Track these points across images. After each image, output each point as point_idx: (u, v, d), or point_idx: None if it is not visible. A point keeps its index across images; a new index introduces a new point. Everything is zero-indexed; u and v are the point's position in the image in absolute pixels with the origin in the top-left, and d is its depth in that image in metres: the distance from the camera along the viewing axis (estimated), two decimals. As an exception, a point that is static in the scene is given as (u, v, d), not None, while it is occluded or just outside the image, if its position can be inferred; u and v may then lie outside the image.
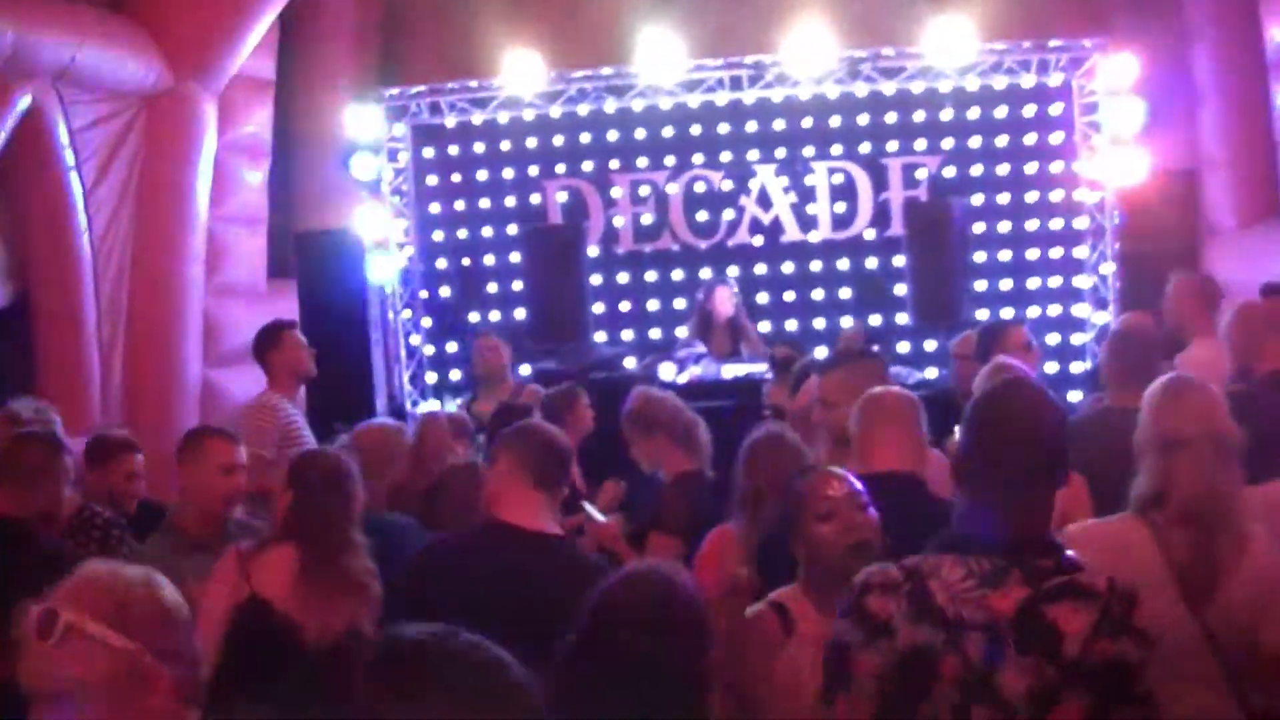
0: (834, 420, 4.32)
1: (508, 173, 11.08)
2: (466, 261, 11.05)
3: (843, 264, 10.94)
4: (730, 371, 9.42)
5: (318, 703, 3.18)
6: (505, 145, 11.03)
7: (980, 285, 10.61)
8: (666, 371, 9.42)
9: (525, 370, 9.90)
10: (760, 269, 10.95)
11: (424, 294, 10.97)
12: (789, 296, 10.97)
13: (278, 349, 6.51)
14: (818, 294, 10.96)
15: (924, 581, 2.50)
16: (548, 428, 3.96)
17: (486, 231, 11.12)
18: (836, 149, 10.89)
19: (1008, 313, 10.30)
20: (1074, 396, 10.20)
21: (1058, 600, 2.46)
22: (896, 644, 2.47)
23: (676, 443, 5.36)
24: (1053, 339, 10.58)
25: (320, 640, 3.65)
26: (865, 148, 10.88)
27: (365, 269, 10.47)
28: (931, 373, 10.05)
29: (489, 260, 11.12)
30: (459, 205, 11.14)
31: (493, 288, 11.12)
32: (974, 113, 10.78)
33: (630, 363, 10.20)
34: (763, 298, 10.91)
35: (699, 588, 2.80)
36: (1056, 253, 10.80)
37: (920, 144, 10.85)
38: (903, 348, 10.69)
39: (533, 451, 3.74)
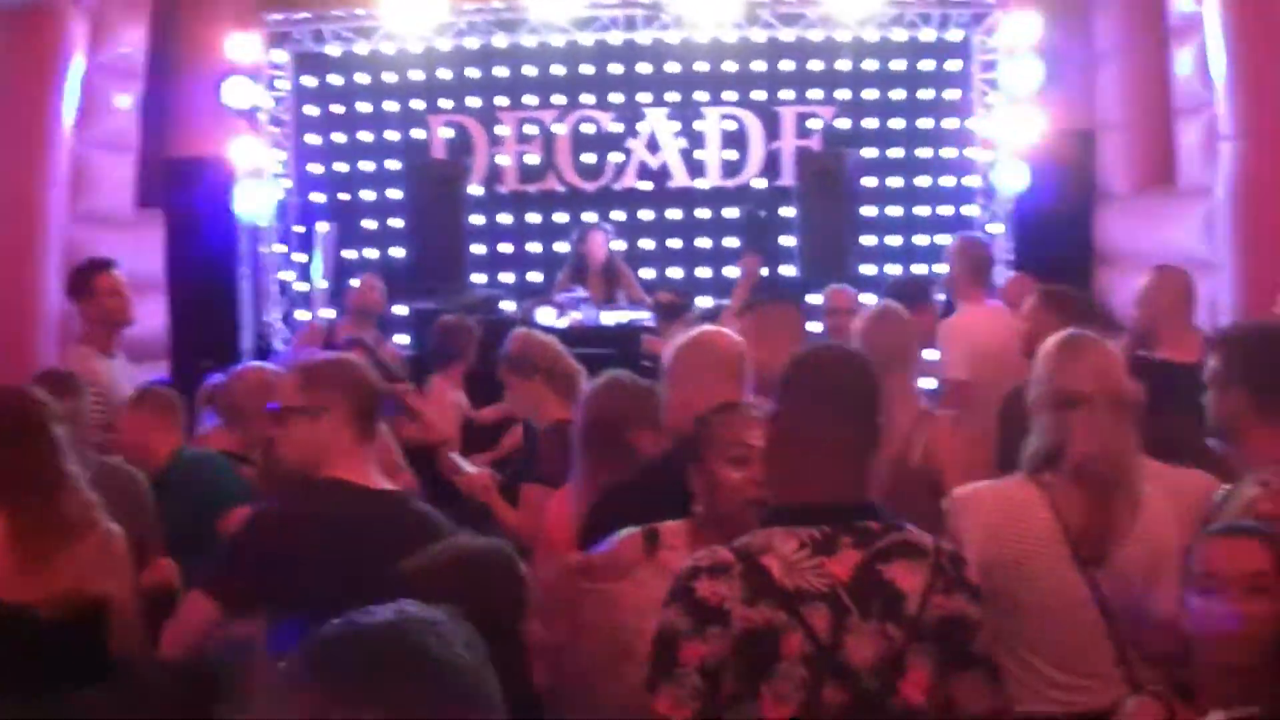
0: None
1: (391, 106, 11.19)
2: (344, 196, 11.18)
3: (730, 212, 11.13)
4: (611, 318, 9.69)
5: (67, 687, 3.07)
6: (390, 77, 11.13)
7: (869, 240, 11.01)
8: (545, 316, 9.65)
9: (402, 310, 10.28)
10: (646, 214, 11.16)
11: (298, 229, 11.10)
12: (674, 243, 11.22)
13: (90, 295, 6.15)
14: (704, 242, 11.21)
15: (757, 559, 2.51)
16: (359, 364, 3.69)
17: (366, 166, 11.23)
18: (730, 95, 11.12)
19: (895, 269, 10.84)
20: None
21: (891, 559, 2.55)
22: (732, 629, 2.46)
23: (555, 389, 5.31)
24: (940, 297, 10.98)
25: (53, 613, 3.28)
26: (759, 95, 11.11)
27: (236, 201, 10.50)
28: (816, 327, 10.47)
29: (368, 196, 11.24)
30: (338, 138, 11.24)
31: (371, 224, 11.24)
32: (871, 65, 11.05)
33: (509, 306, 10.59)
34: (648, 244, 11.14)
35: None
36: (946, 210, 11.14)
37: (815, 93, 11.11)
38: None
39: (357, 401, 3.50)
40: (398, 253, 11.04)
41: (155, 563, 4.27)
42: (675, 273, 11.19)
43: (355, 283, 9.14)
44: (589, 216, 10.96)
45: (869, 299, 7.40)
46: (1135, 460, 3.36)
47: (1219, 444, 3.66)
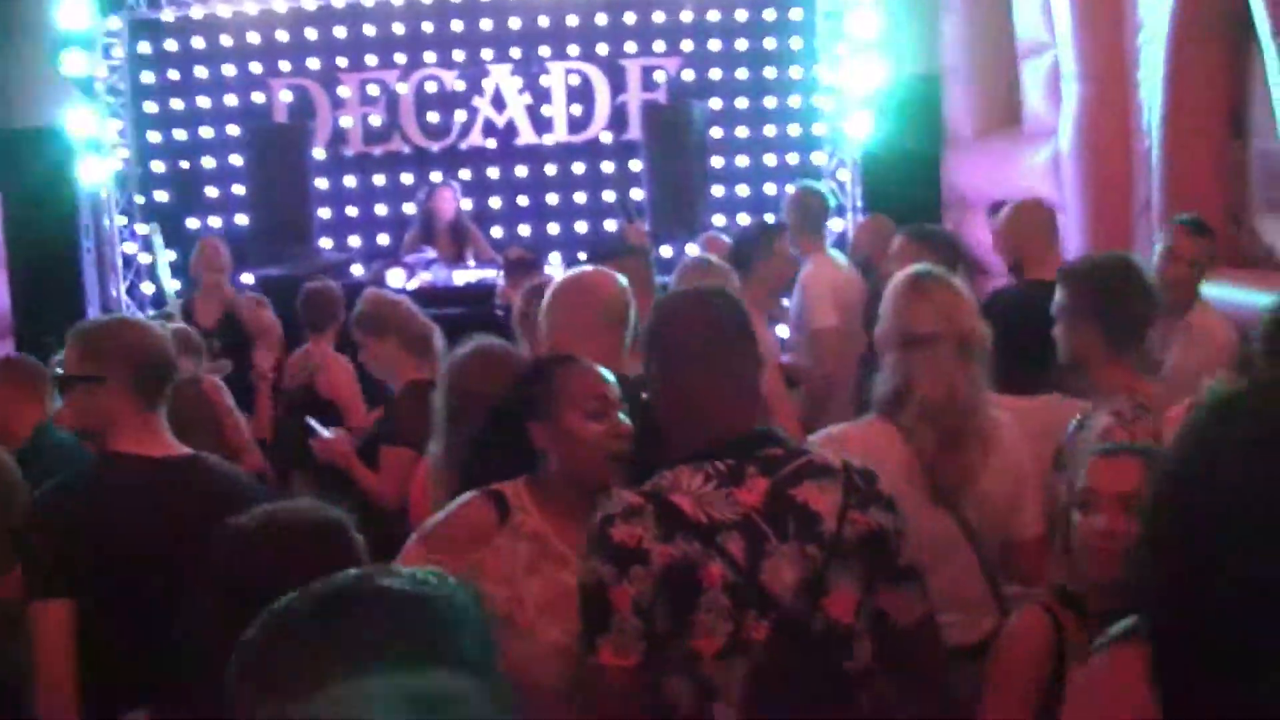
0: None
1: (229, 70, 11.19)
2: (185, 164, 11.22)
3: (578, 168, 11.28)
4: (462, 278, 9.75)
5: None
6: (226, 40, 11.13)
7: (718, 191, 11.16)
8: (395, 278, 9.70)
9: (248, 279, 10.34)
10: (494, 173, 11.22)
11: (139, 199, 11.10)
12: (523, 201, 11.31)
13: None
14: (552, 199, 11.31)
15: (666, 497, 2.53)
16: (142, 327, 3.55)
17: (206, 132, 11.21)
18: (573, 49, 11.21)
19: (745, 219, 11.01)
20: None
21: (800, 482, 2.59)
22: (652, 568, 2.47)
23: (409, 349, 5.29)
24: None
25: None
26: (603, 49, 11.22)
27: (75, 172, 10.45)
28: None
29: (209, 163, 11.23)
30: (177, 104, 11.21)
31: (213, 192, 11.23)
32: (714, 15, 11.17)
33: (358, 270, 10.70)
34: (496, 202, 11.22)
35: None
36: (794, 159, 11.28)
37: (659, 45, 11.22)
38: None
39: (137, 367, 3.32)
40: (243, 220, 11.06)
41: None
42: (525, 230, 11.27)
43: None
44: (436, 177, 11.02)
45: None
46: (982, 398, 3.43)
47: (1071, 375, 3.87)
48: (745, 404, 2.72)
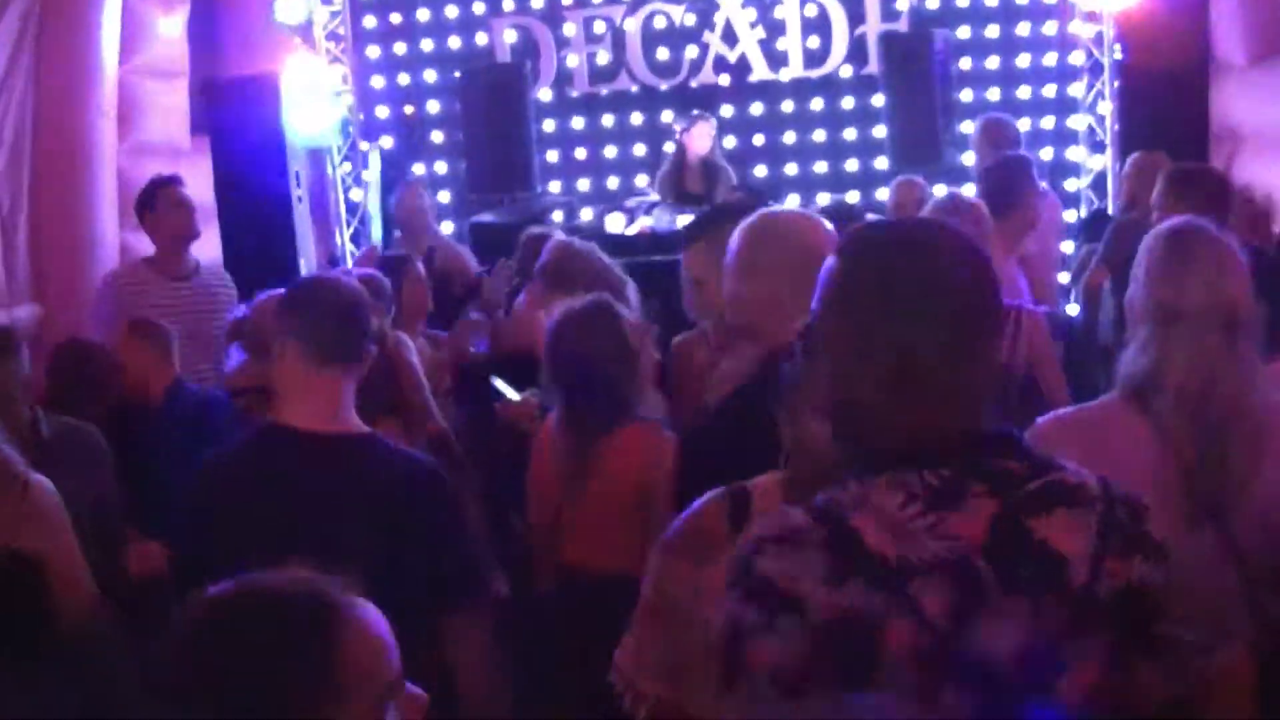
0: (705, 301, 3.88)
1: (451, 11, 11.19)
2: (409, 109, 11.33)
3: (816, 104, 11.01)
4: (686, 222, 9.84)
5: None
6: (449, -20, 11.07)
7: (967, 127, 10.86)
8: (614, 223, 9.68)
9: (448, 228, 10.42)
10: (727, 111, 10.98)
11: (364, 145, 11.27)
12: (758, 140, 11.09)
13: (151, 211, 6.60)
14: (789, 138, 11.05)
15: (844, 522, 1.87)
16: (332, 283, 3.42)
17: (430, 76, 11.28)
18: (809, -22, 10.85)
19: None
20: (1067, 248, 10.66)
21: (1043, 511, 1.89)
22: (810, 620, 1.82)
23: None
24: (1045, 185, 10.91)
25: None
26: (841, -23, 10.86)
27: (283, 120, 10.36)
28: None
29: (433, 107, 11.30)
30: (399, 49, 11.29)
31: (438, 137, 11.30)
32: (961, -62, 10.74)
33: (586, 214, 10.73)
34: (730, 142, 10.92)
35: None
36: (1049, 91, 10.83)
37: (902, -27, 10.85)
38: (882, 195, 11.13)
39: (314, 324, 3.21)
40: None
41: (139, 549, 4.32)
42: (760, 171, 11.11)
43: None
44: (666, 116, 10.91)
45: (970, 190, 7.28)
46: (1254, 389, 2.92)
47: None
48: (969, 390, 1.96)
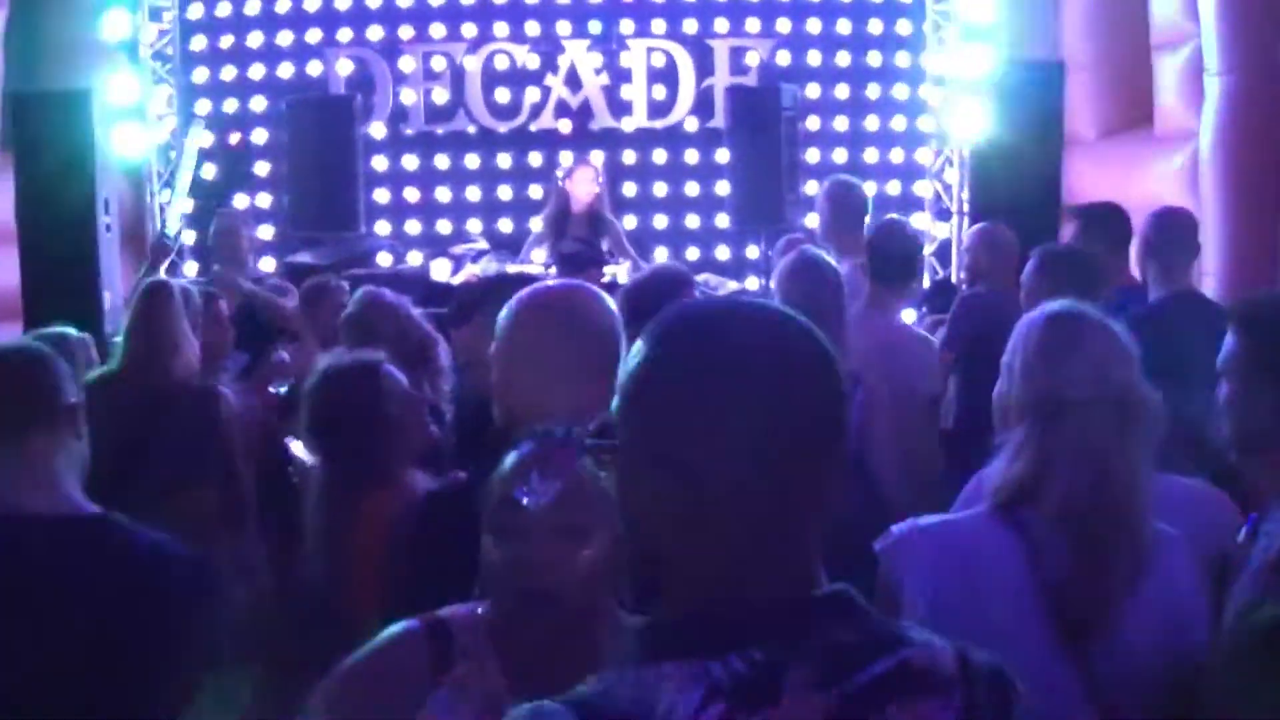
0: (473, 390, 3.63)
1: (285, 38, 10.75)
2: (235, 137, 10.81)
3: (659, 156, 10.78)
4: (518, 271, 9.47)
5: None
6: (282, 6, 10.71)
7: (812, 188, 10.70)
8: (440, 270, 9.49)
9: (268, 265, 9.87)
10: (566, 158, 10.60)
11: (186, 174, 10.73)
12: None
13: None
14: (628, 188, 10.79)
15: None
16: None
17: (258, 104, 10.81)
18: (658, 26, 10.69)
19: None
20: (909, 317, 10.43)
21: (889, 704, 1.43)
22: None
23: (403, 364, 4.59)
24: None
25: None
26: (690, 26, 10.68)
27: (95, 140, 9.78)
28: (752, 284, 10.21)
29: (260, 137, 10.82)
30: (227, 73, 10.82)
31: (263, 168, 10.84)
32: (814, -7, 10.58)
33: (415, 258, 10.35)
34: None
35: None
36: (897, 156, 10.74)
37: (752, 25, 10.68)
38: (721, 254, 10.88)
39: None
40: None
41: None
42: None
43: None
44: (504, 160, 10.67)
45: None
46: (1145, 491, 2.56)
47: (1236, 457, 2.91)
48: (789, 537, 1.47)
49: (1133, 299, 5.33)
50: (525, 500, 2.10)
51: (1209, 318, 4.49)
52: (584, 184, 9.47)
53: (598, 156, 10.66)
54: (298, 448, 4.74)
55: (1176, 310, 5.16)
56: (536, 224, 9.83)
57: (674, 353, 1.47)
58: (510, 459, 2.19)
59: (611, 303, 2.87)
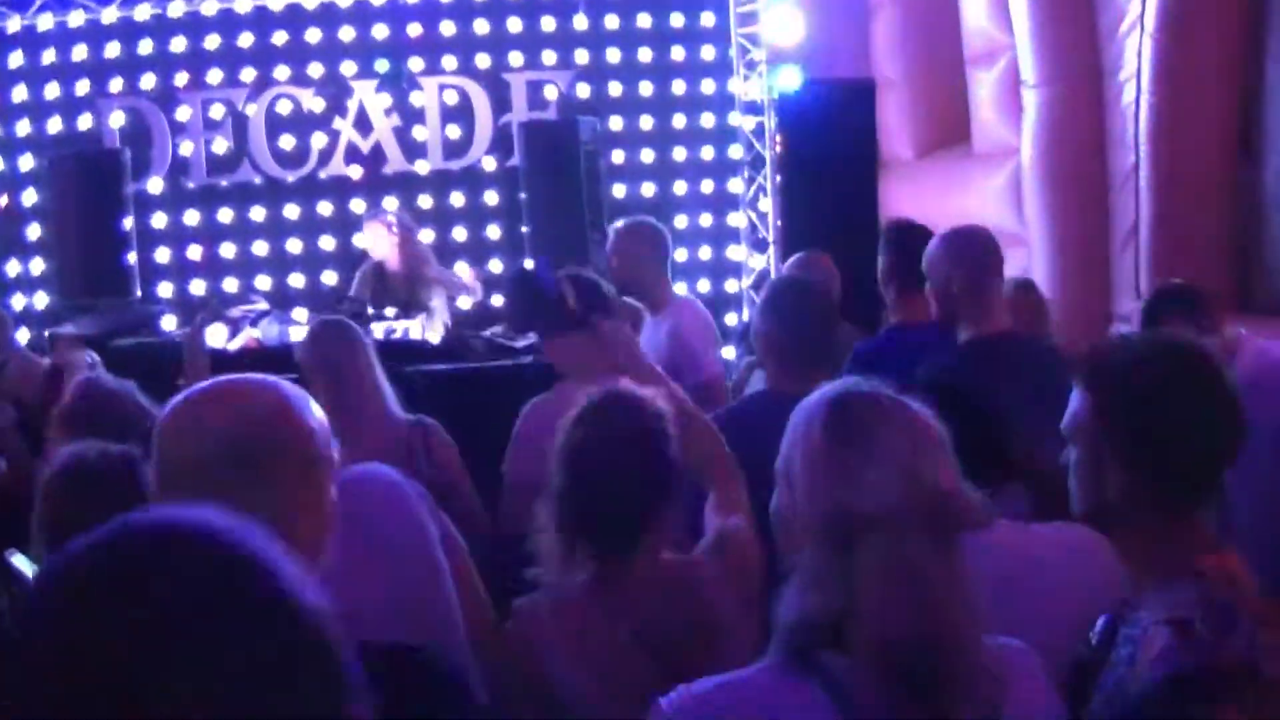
0: None
1: (52, 90, 10.22)
2: (2, 200, 10.42)
3: (457, 199, 10.40)
4: (299, 335, 8.92)
5: None
6: (49, 57, 10.17)
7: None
8: (216, 336, 8.96)
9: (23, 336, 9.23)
10: (359, 206, 10.26)
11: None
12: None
13: None
14: (425, 235, 10.30)
15: None
16: None
17: (27, 163, 10.25)
18: (450, 62, 10.34)
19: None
20: (728, 354, 10.04)
21: None
22: None
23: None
24: (704, 286, 10.25)
25: None
26: (484, 61, 10.35)
27: None
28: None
29: (30, 199, 10.26)
30: (-10, 131, 10.20)
31: (35, 232, 10.27)
32: (612, 21, 10.34)
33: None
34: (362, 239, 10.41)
35: None
36: (708, 186, 10.43)
37: (549, 57, 10.35)
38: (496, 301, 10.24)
39: None
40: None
41: None
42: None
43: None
44: (292, 210, 10.22)
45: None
46: (976, 610, 1.99)
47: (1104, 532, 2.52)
48: None
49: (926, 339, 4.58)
50: None
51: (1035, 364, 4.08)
52: (378, 241, 8.80)
53: (391, 202, 10.20)
54: (21, 561, 4.19)
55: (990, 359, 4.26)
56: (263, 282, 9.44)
57: None
58: None
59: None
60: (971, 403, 2.90)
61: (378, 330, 8.04)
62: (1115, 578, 2.48)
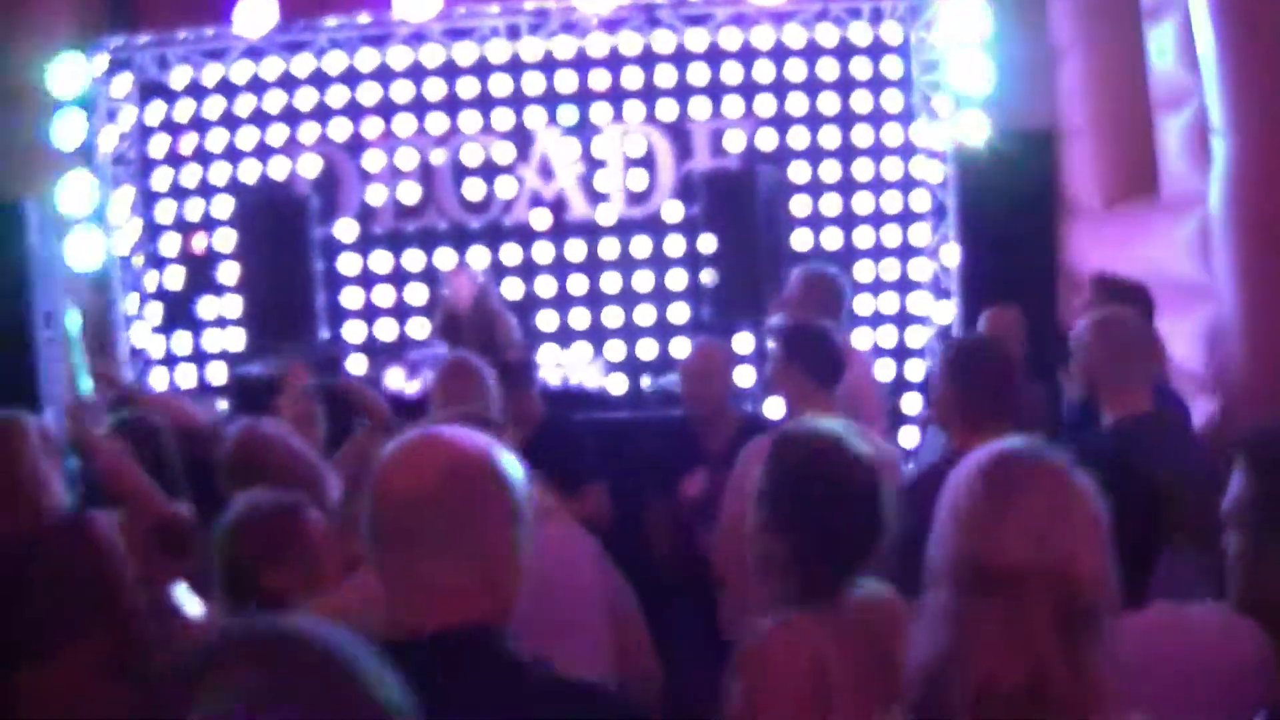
0: None
1: (246, 137, 10.66)
2: (200, 242, 10.59)
3: (639, 246, 10.44)
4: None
5: None
6: (244, 105, 10.53)
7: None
8: (394, 378, 9.13)
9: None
10: (543, 252, 10.45)
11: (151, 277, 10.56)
12: (577, 284, 10.44)
13: None
14: (611, 282, 10.48)
15: None
16: None
17: (224, 206, 10.57)
18: (634, 110, 10.41)
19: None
20: (911, 405, 9.97)
21: None
22: None
23: None
24: (887, 337, 10.24)
25: None
26: (668, 109, 10.40)
27: (28, 253, 8.87)
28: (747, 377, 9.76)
29: (224, 241, 10.57)
30: (190, 176, 10.60)
31: (230, 273, 10.53)
32: (796, 70, 10.32)
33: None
34: (546, 286, 10.39)
35: None
36: (891, 235, 10.34)
37: (732, 106, 10.39)
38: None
39: None
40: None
41: None
42: (581, 318, 10.46)
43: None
44: (477, 255, 10.39)
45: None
46: (1092, 683, 1.99)
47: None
48: None
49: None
50: None
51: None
52: (458, 292, 9.30)
53: (576, 249, 10.34)
54: (183, 594, 4.23)
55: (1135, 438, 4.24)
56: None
57: None
58: None
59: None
60: (1136, 477, 2.80)
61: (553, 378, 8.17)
62: (1265, 666, 2.38)
